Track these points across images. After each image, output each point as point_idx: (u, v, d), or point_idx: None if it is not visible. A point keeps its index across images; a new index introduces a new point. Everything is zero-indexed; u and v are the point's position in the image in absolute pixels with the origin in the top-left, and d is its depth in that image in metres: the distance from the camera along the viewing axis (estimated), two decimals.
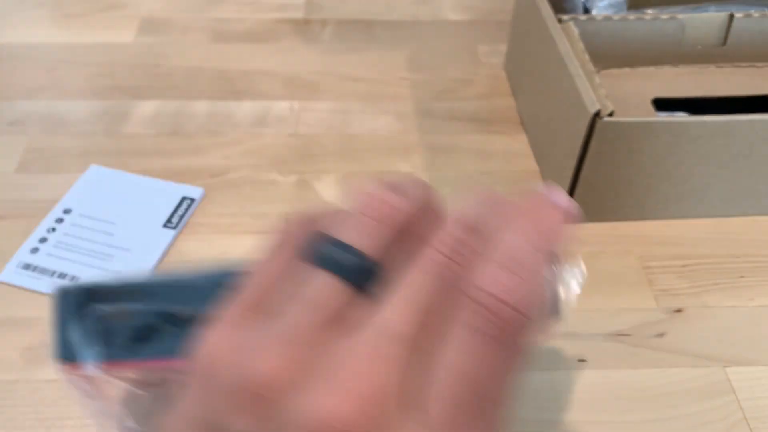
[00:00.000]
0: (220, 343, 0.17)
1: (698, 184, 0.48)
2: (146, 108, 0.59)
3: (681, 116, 0.52)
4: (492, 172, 0.53)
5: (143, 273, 0.30)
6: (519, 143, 0.56)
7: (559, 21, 0.51)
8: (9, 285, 0.45)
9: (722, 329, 0.43)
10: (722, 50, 0.56)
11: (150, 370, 0.26)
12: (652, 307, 0.44)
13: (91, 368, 0.26)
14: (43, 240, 0.47)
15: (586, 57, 0.47)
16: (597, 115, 0.43)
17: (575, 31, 0.51)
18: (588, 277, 0.46)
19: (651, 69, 0.56)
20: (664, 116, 0.51)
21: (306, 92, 0.61)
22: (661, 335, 0.43)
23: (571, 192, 0.48)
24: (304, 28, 0.69)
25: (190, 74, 0.63)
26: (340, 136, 0.57)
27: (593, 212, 0.49)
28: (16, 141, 0.55)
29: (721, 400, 0.39)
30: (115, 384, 0.26)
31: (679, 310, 0.44)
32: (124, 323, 0.26)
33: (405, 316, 0.17)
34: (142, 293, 0.27)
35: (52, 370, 0.40)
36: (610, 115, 0.43)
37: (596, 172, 0.46)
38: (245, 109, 0.59)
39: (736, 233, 0.49)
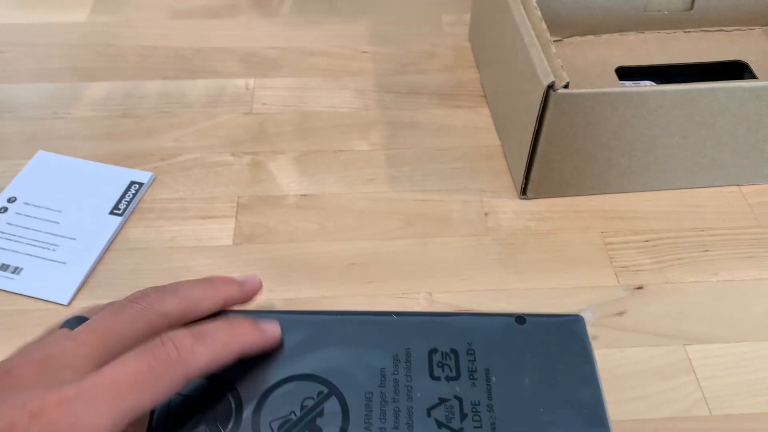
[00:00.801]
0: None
1: (661, 155, 0.46)
2: (97, 90, 0.57)
3: (646, 85, 0.50)
4: (452, 148, 0.52)
5: None
6: (482, 117, 0.54)
7: None
8: None
9: (684, 306, 0.42)
10: (689, 15, 0.54)
11: None
12: (612, 285, 0.43)
13: None
14: None
15: (543, 26, 0.45)
16: (551, 87, 0.41)
17: None
18: (547, 255, 0.44)
19: (616, 36, 0.54)
20: (629, 85, 0.49)
21: (263, 69, 0.59)
22: (621, 314, 0.41)
23: (529, 168, 0.46)
24: (262, 2, 0.66)
25: (144, 53, 0.60)
26: (297, 114, 0.55)
27: (552, 188, 0.47)
28: None
29: (680, 379, 0.38)
30: None
31: (640, 287, 0.43)
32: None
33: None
34: None
35: None
36: (566, 86, 0.41)
37: (553, 146, 0.44)
38: (199, 87, 0.57)
39: (701, 205, 0.48)
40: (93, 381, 0.26)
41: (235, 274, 0.43)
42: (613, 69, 0.52)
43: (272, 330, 0.32)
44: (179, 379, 0.27)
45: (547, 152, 0.45)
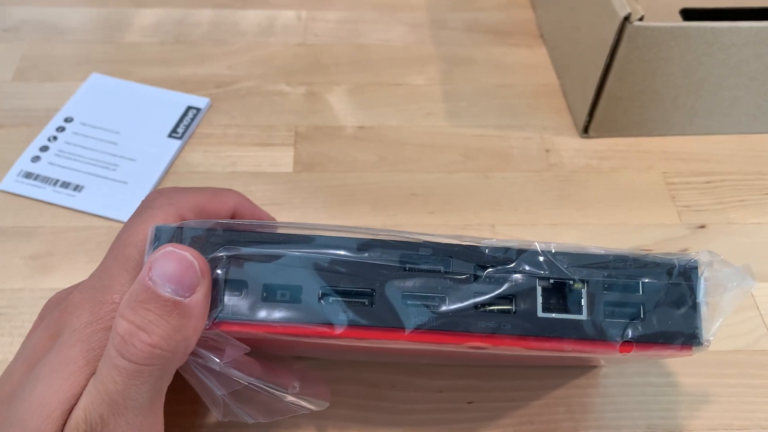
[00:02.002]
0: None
1: (726, 97, 0.46)
2: (147, 16, 0.56)
3: None
4: (510, 86, 0.51)
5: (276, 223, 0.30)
6: (538, 56, 0.54)
7: None
8: (10, 194, 0.43)
9: (746, 245, 0.42)
10: None
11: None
12: (675, 223, 0.43)
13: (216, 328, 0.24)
14: (44, 149, 0.45)
15: None
16: (627, 19, 0.40)
17: None
18: (609, 193, 0.44)
19: None
20: None
21: (314, 1, 0.58)
22: (684, 251, 0.41)
23: (594, 106, 0.46)
24: None
25: None
26: (351, 47, 0.54)
27: (615, 127, 0.47)
28: (11, 48, 0.53)
29: (745, 315, 0.38)
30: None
31: (702, 227, 0.43)
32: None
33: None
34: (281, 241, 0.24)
35: (56, 278, 0.39)
36: (641, 19, 0.40)
37: (622, 83, 0.44)
38: (250, 17, 0.56)
39: (763, 150, 0.47)
40: None
41: (297, 201, 0.44)
42: (677, 10, 0.51)
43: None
44: None
45: (615, 89, 0.44)
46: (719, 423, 0.34)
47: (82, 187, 0.43)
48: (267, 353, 0.30)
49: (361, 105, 0.49)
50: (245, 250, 0.24)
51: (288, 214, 0.42)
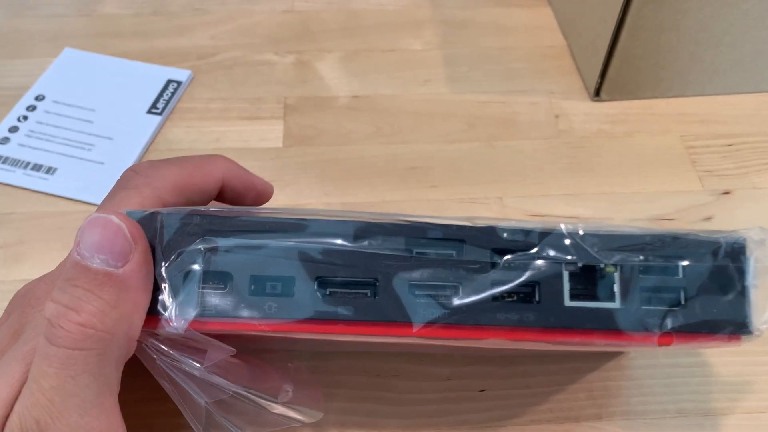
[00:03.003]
0: None
1: (748, 53, 0.42)
2: None
3: None
4: (513, 48, 0.48)
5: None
6: (542, 17, 0.50)
7: None
8: None
9: None
10: None
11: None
12: (697, 190, 0.40)
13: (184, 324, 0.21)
14: (13, 129, 0.42)
15: None
16: None
17: None
18: (624, 159, 0.41)
19: None
20: None
21: None
22: (708, 219, 0.38)
23: (605, 66, 0.42)
24: None
25: None
26: (341, 12, 0.50)
27: (628, 88, 0.43)
28: None
29: None
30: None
31: (726, 192, 0.39)
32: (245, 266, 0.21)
33: None
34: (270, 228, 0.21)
35: (28, 269, 0.36)
36: None
37: (636, 40, 0.40)
38: None
39: None
40: None
41: (287, 177, 0.40)
42: None
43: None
44: None
45: (629, 47, 0.41)
46: (756, 405, 0.31)
47: (55, 170, 0.40)
48: (253, 348, 0.27)
49: (355, 73, 0.46)
50: (228, 242, 0.21)
51: (278, 192, 0.39)
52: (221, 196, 0.27)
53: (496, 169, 0.41)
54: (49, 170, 0.40)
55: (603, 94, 0.44)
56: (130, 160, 0.41)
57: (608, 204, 0.39)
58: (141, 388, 0.24)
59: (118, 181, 0.25)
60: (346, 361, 0.32)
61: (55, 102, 0.44)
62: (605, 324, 0.21)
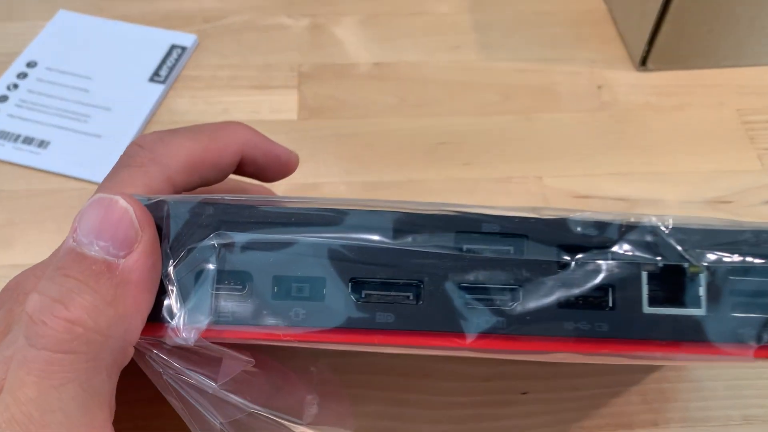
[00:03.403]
0: None
1: None
2: None
3: None
4: (550, 12, 0.44)
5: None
6: None
7: None
8: None
9: None
10: None
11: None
12: (756, 169, 0.36)
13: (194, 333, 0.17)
14: (2, 99, 0.38)
15: None
16: None
17: None
18: (675, 135, 0.37)
19: None
20: None
21: None
22: None
23: (654, 33, 0.38)
24: None
25: None
26: None
27: (678, 57, 0.39)
28: None
29: None
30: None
31: None
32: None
33: None
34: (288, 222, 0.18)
35: (18, 253, 0.33)
36: None
37: (690, 3, 0.36)
38: None
39: None
40: None
41: (302, 154, 0.37)
42: None
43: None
44: None
45: (683, 11, 0.37)
46: None
47: (48, 143, 0.36)
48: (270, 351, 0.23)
49: (376, 38, 0.42)
50: (246, 236, 0.17)
51: None
52: (240, 169, 0.23)
53: (535, 144, 0.37)
54: (42, 144, 0.36)
55: (650, 64, 0.40)
56: (130, 133, 0.37)
57: (658, 184, 0.35)
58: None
59: (121, 157, 0.21)
60: (371, 357, 0.29)
61: (49, 69, 0.40)
62: (692, 335, 0.18)
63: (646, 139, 0.37)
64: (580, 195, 0.35)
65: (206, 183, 0.22)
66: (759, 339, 0.18)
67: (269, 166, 0.24)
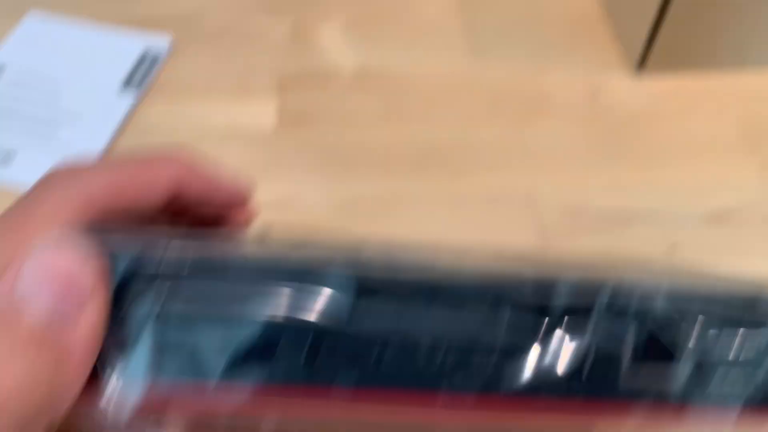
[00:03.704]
0: None
1: None
2: None
3: None
4: (543, 15, 0.42)
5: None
6: None
7: None
8: None
9: None
10: None
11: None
12: (759, 182, 0.34)
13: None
14: None
15: None
16: None
17: None
18: (675, 145, 0.36)
19: None
20: None
21: None
22: None
23: (653, 34, 0.36)
24: None
25: None
26: None
27: (679, 58, 0.38)
28: None
29: None
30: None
31: None
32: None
33: None
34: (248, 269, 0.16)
35: None
36: None
37: (691, 3, 0.34)
38: None
39: None
40: None
41: (282, 163, 0.35)
42: None
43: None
44: None
45: (680, 13, 0.35)
46: None
47: (15, 153, 0.35)
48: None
49: (361, 42, 0.40)
50: (189, 308, 0.15)
51: (271, 182, 0.34)
52: (179, 203, 0.21)
53: (526, 156, 0.35)
54: (7, 155, 0.34)
55: (649, 65, 0.38)
56: (100, 143, 0.35)
57: (655, 198, 0.33)
58: None
59: (34, 188, 0.19)
60: None
61: (18, 73, 0.38)
62: (673, 397, 0.16)
63: (644, 150, 0.35)
64: (572, 207, 0.33)
65: (133, 222, 0.20)
66: (745, 402, 0.16)
67: (213, 201, 0.22)
